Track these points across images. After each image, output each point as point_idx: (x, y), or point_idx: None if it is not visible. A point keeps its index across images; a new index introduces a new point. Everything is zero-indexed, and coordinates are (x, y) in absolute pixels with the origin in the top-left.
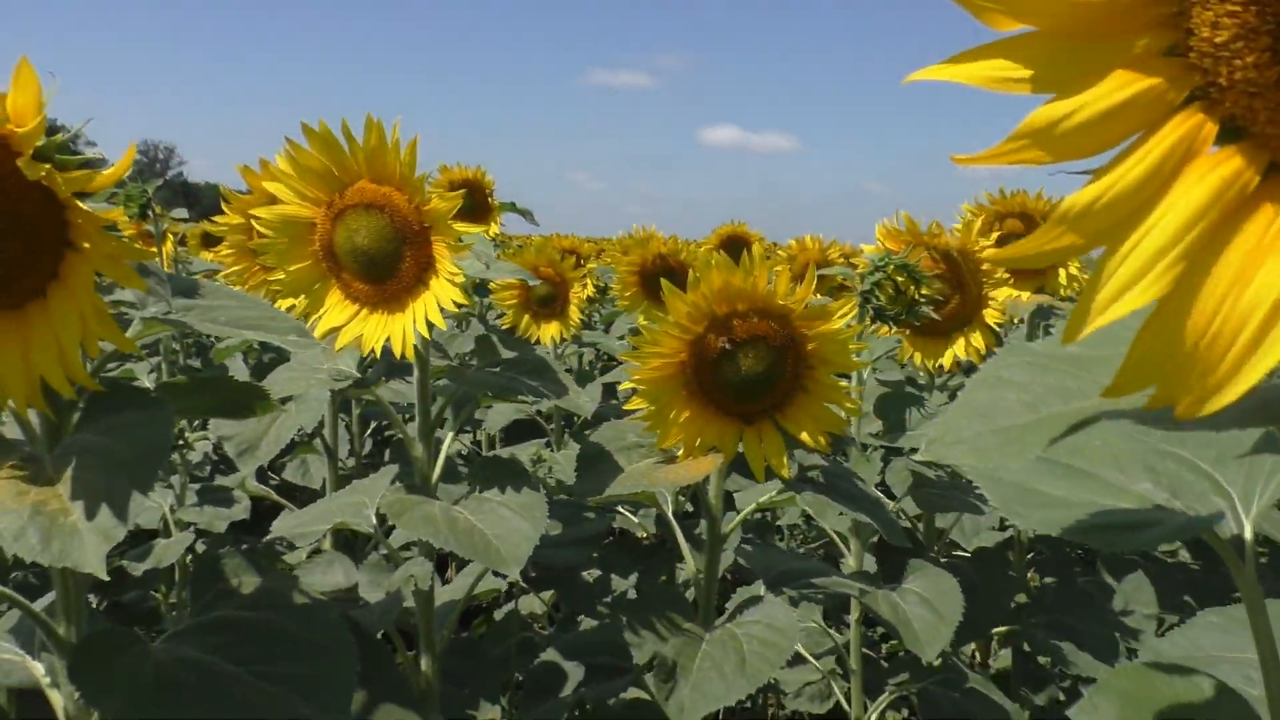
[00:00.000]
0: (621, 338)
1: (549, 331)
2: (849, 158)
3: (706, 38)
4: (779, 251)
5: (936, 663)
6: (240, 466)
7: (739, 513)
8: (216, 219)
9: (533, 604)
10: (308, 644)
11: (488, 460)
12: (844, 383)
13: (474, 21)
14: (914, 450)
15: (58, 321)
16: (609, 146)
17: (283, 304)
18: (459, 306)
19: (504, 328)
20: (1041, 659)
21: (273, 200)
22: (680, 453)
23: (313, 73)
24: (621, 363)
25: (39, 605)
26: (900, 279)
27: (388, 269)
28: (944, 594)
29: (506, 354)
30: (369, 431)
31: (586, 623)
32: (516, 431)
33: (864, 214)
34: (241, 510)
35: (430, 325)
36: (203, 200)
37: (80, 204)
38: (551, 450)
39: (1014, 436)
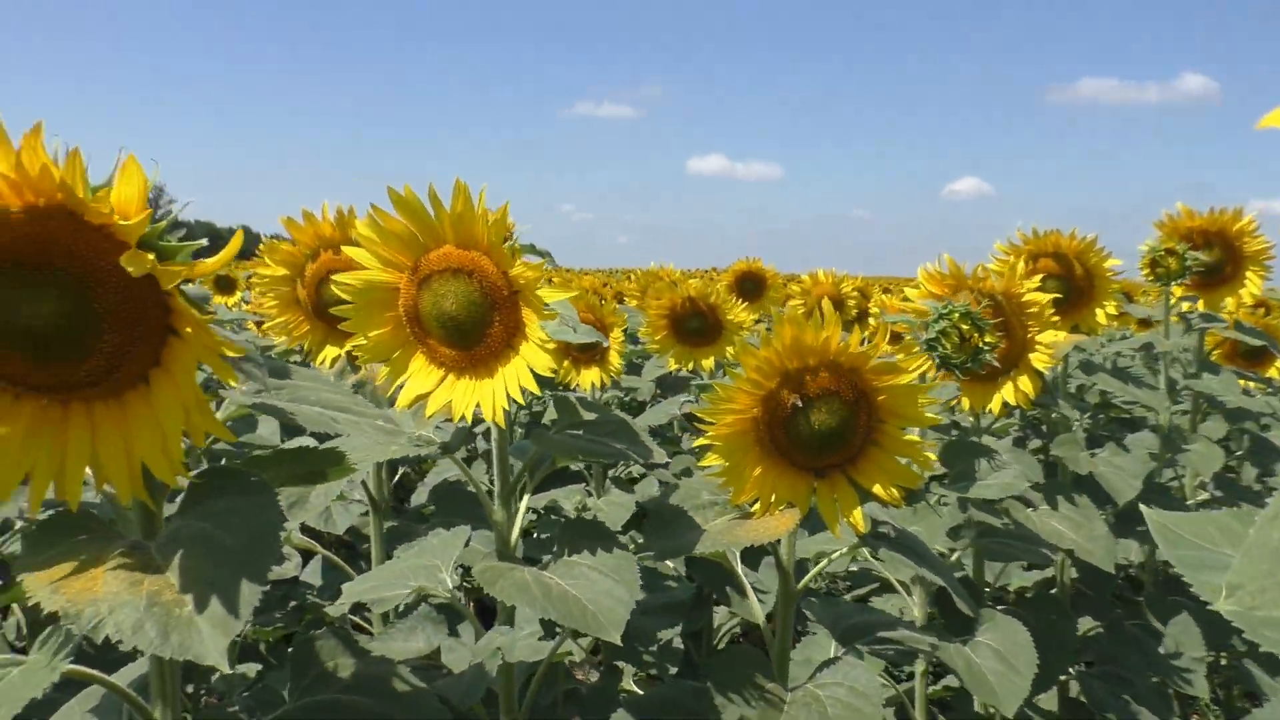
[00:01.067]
0: (655, 380)
1: (589, 377)
2: (833, 185)
3: (691, 69)
4: (791, 286)
5: (1011, 717)
6: (289, 519)
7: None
8: (260, 271)
9: (569, 647)
10: None
11: (572, 523)
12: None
13: (458, 57)
14: (986, 501)
15: (160, 410)
16: (595, 177)
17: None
18: (553, 372)
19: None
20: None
21: (317, 253)
22: (755, 508)
23: (297, 112)
24: (647, 406)
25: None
26: (965, 327)
27: (475, 334)
28: (1017, 646)
29: (587, 415)
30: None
31: (627, 670)
32: (552, 475)
33: (848, 237)
34: (293, 567)
35: (523, 390)
36: (194, 237)
37: (183, 294)
38: (592, 497)
39: None
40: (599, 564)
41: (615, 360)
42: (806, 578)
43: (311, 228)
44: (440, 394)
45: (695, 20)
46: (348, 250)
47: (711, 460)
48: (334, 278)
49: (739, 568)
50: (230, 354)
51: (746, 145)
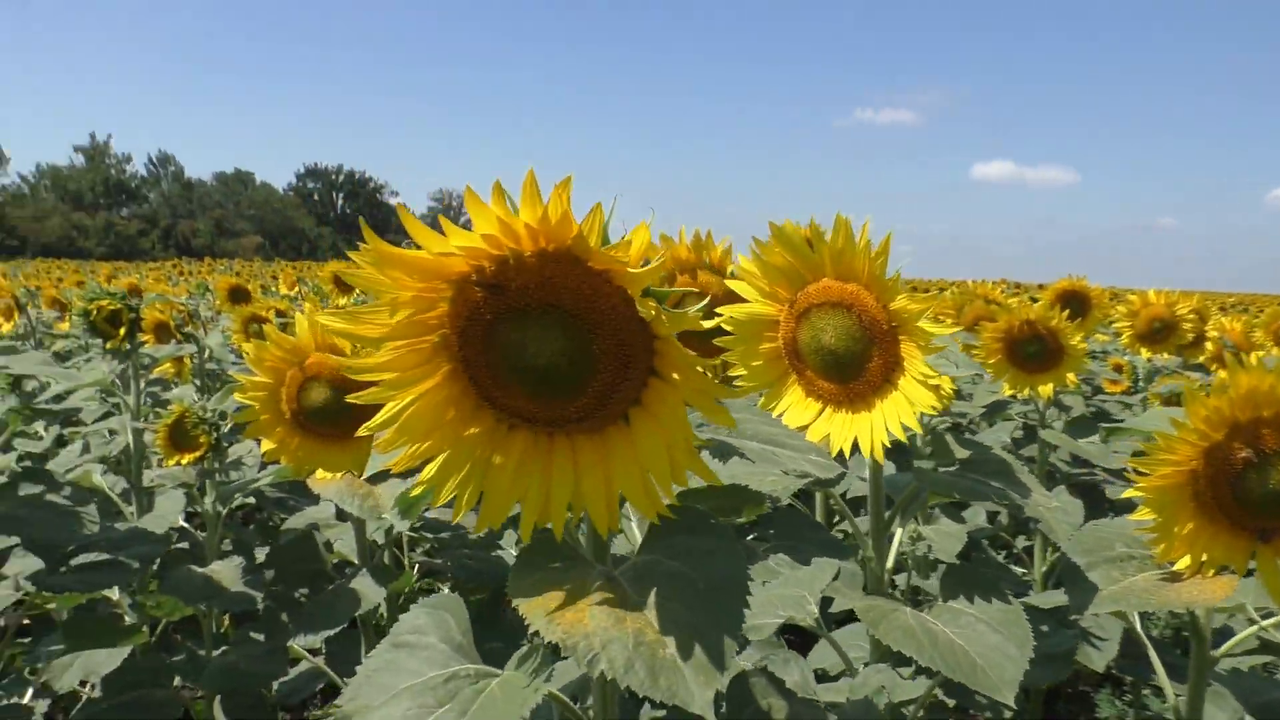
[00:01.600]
0: (987, 408)
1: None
2: (1135, 191)
3: (975, 71)
4: (1118, 307)
5: None
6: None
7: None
8: None
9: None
10: None
11: (955, 568)
12: None
13: (731, 67)
14: None
15: (642, 448)
16: (872, 186)
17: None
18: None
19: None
20: None
21: (673, 276)
22: (1180, 567)
23: (576, 130)
24: (978, 431)
25: None
26: None
27: (854, 368)
28: None
29: (961, 452)
30: None
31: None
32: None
33: (1153, 251)
34: None
35: (904, 427)
36: None
37: (677, 341)
38: (916, 523)
39: None
40: (986, 615)
41: (947, 385)
42: (1226, 645)
43: (668, 250)
44: (819, 426)
45: (980, 18)
46: (730, 283)
47: (1143, 514)
48: (719, 310)
49: (1138, 627)
50: (721, 397)
51: (1037, 149)
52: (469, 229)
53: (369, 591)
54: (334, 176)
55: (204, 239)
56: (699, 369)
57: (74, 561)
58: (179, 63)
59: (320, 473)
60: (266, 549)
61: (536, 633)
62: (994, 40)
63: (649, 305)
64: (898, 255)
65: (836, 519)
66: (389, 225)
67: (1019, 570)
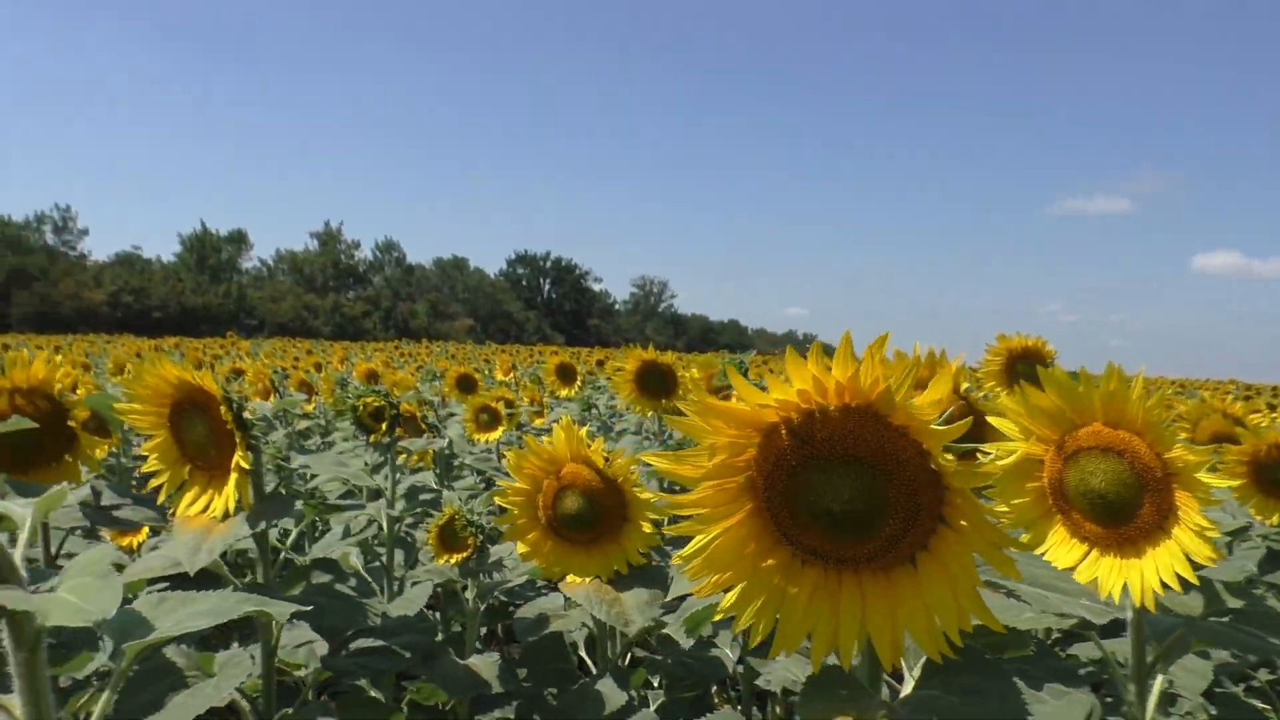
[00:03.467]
0: (1230, 534)
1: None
2: None
3: (1193, 158)
4: None
5: None
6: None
7: None
8: None
9: None
10: None
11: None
12: None
13: (932, 154)
14: None
15: (928, 593)
16: (1083, 276)
17: None
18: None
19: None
20: None
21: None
22: None
23: (757, 209)
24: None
25: None
26: None
27: (1125, 513)
28: None
29: (1233, 602)
30: None
31: None
32: None
33: None
34: None
35: (1179, 578)
36: (689, 331)
37: (970, 493)
38: None
39: None
40: None
41: (1215, 532)
42: None
43: (900, 365)
44: (1086, 569)
45: (1196, 102)
46: (994, 420)
47: None
48: (984, 448)
49: None
50: (1009, 548)
51: (1268, 239)
52: (737, 363)
53: (612, 694)
54: (542, 263)
55: (421, 320)
56: (989, 519)
57: (353, 645)
58: (408, 156)
59: (570, 578)
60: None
61: None
62: (1213, 124)
63: (947, 459)
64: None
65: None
66: (590, 310)
67: (1258, 704)
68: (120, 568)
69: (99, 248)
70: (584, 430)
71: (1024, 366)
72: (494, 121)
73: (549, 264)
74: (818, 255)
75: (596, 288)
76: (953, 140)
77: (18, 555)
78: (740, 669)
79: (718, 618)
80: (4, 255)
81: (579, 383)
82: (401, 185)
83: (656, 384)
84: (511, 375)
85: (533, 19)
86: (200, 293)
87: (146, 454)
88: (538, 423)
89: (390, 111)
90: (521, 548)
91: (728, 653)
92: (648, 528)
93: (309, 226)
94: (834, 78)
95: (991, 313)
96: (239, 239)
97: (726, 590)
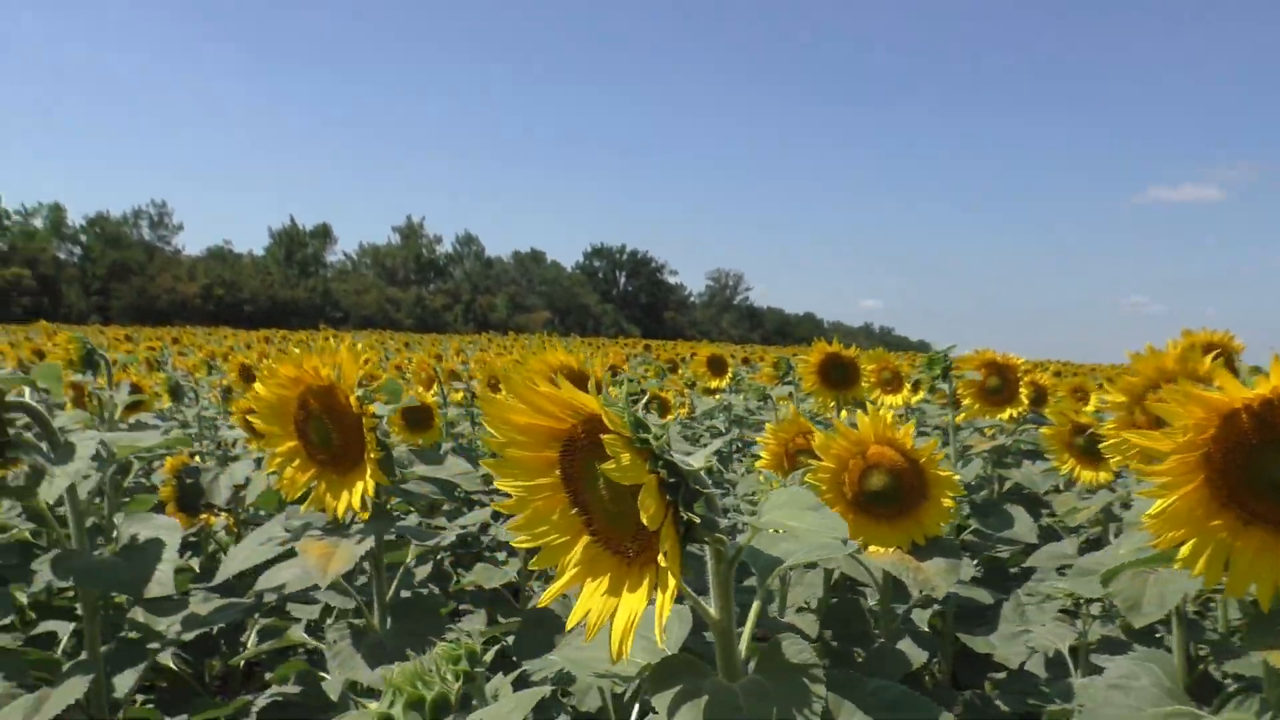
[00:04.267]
0: None
1: None
2: None
3: None
4: None
5: None
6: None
7: None
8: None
9: None
10: None
11: None
12: None
13: (1014, 143)
14: None
15: None
16: (1170, 268)
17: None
18: None
19: None
20: None
21: (1156, 385)
22: None
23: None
24: None
25: None
26: None
27: None
28: None
29: None
30: None
31: None
32: None
33: None
34: None
35: None
36: (765, 324)
37: None
38: None
39: None
40: None
41: None
42: None
43: (1154, 360)
44: None
45: None
46: None
47: None
48: None
49: None
50: None
51: None
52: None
53: (914, 653)
54: (617, 255)
55: (500, 313)
56: None
57: None
58: (487, 150)
59: (872, 548)
60: None
61: None
62: None
63: None
64: None
65: None
66: (666, 303)
67: None
68: None
69: (192, 242)
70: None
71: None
72: (571, 115)
73: (625, 256)
74: (893, 247)
75: (672, 280)
76: (1034, 129)
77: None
78: None
79: (1177, 567)
80: (105, 251)
81: (729, 375)
82: (480, 179)
83: (839, 375)
84: (625, 367)
85: (609, 13)
86: (289, 286)
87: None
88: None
89: (470, 107)
90: None
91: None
92: (948, 503)
93: (391, 221)
94: (913, 61)
95: (1075, 305)
96: (324, 233)
97: (1179, 545)
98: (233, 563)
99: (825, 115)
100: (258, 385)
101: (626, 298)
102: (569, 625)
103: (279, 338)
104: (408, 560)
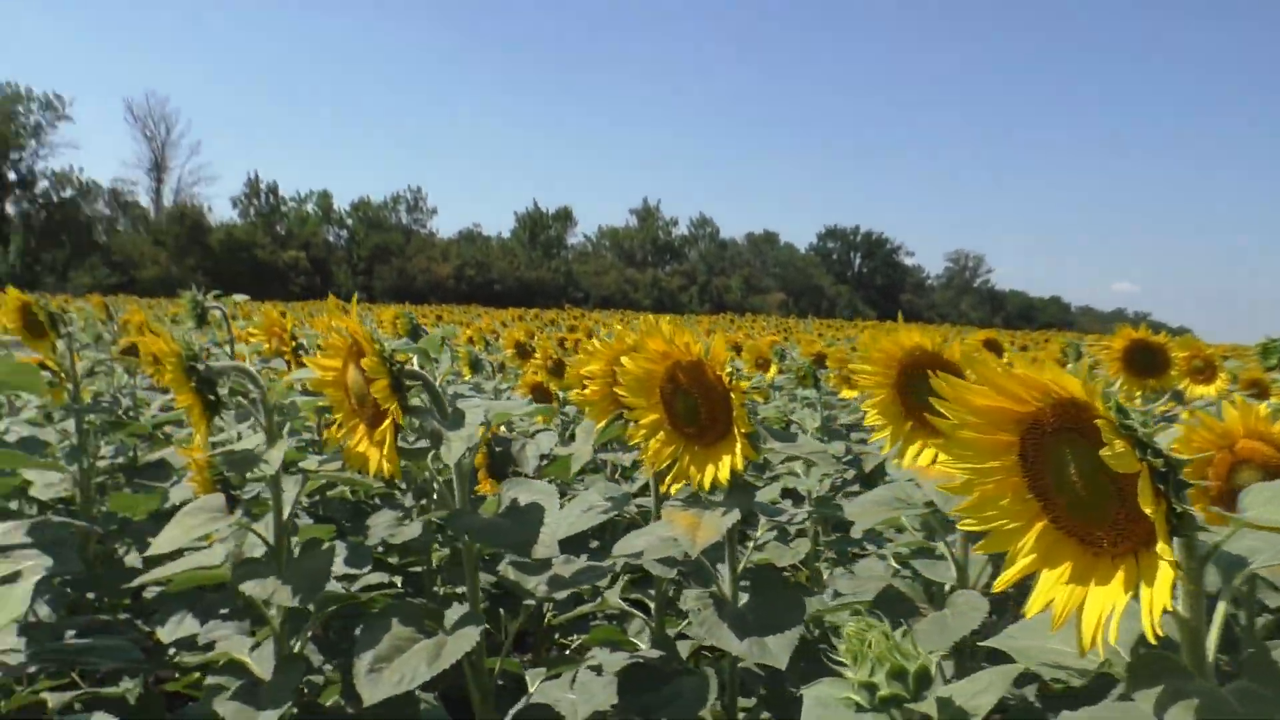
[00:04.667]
0: None
1: None
2: None
3: None
4: None
5: None
6: None
7: None
8: None
9: None
10: None
11: None
12: None
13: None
14: None
15: None
16: None
17: None
18: None
19: None
20: None
21: None
22: None
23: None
24: None
25: None
26: None
27: None
28: None
29: None
30: None
31: None
32: None
33: None
34: None
35: None
36: (1007, 307)
37: None
38: None
39: None
40: None
41: None
42: None
43: None
44: None
45: None
46: None
47: None
48: None
49: None
50: None
51: None
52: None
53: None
54: (852, 237)
55: (734, 295)
56: None
57: None
58: (720, 132)
59: None
60: None
61: None
62: None
63: None
64: None
65: None
66: (903, 285)
67: None
68: None
69: (445, 226)
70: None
71: None
72: (802, 93)
73: (859, 238)
74: (1150, 227)
75: (908, 262)
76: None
77: None
78: None
79: None
80: (368, 234)
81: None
82: (714, 161)
83: (1145, 362)
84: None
85: None
86: (533, 267)
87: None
88: None
89: (703, 90)
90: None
91: None
92: None
93: (628, 204)
94: (1162, 30)
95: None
96: (565, 216)
97: None
98: (559, 527)
99: (1071, 84)
100: (625, 360)
101: (862, 279)
102: (1028, 613)
103: (531, 315)
104: (758, 536)
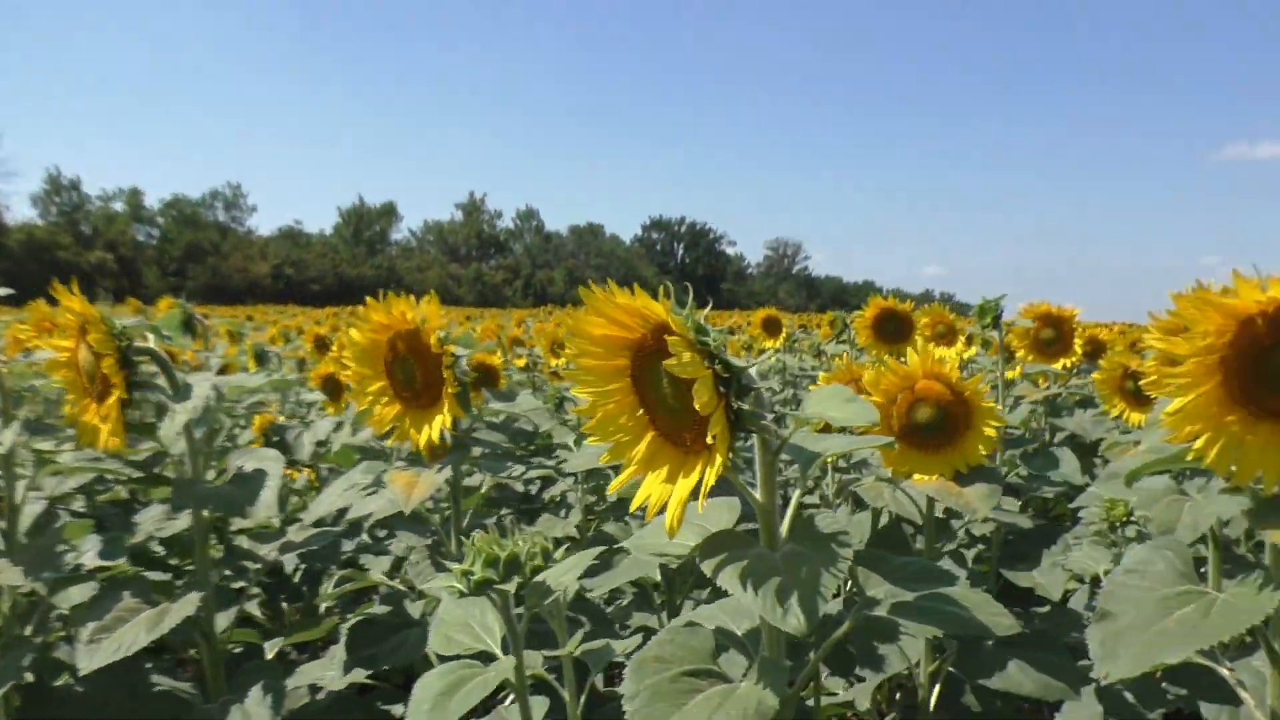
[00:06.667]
0: None
1: None
2: None
3: None
4: None
5: None
6: None
7: None
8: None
9: None
10: None
11: None
12: None
13: (1081, 103)
14: None
15: None
16: (1248, 226)
17: None
18: None
19: None
20: None
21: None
22: None
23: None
24: None
25: None
26: None
27: None
28: None
29: None
30: None
31: None
32: None
33: None
34: None
35: None
36: (822, 293)
37: None
38: None
39: None
40: None
41: None
42: None
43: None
44: None
45: None
46: None
47: None
48: None
49: None
50: None
51: None
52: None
53: (954, 570)
54: (676, 228)
55: (558, 288)
56: None
57: None
58: (546, 126)
59: (917, 476)
60: None
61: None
62: None
63: None
64: None
65: None
66: (725, 274)
67: None
68: None
69: (265, 222)
70: None
71: None
72: (627, 88)
73: (683, 228)
74: (955, 212)
75: (730, 251)
76: (1102, 88)
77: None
78: None
79: (1190, 458)
80: (181, 232)
81: (784, 335)
82: (540, 154)
83: (893, 329)
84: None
85: None
86: (355, 264)
87: None
88: None
89: (529, 84)
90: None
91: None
92: (990, 432)
93: (454, 198)
94: (973, 20)
95: (1148, 268)
96: (389, 211)
97: (1195, 439)
98: (320, 506)
99: (882, 80)
100: (352, 331)
101: (684, 270)
102: (632, 509)
103: (346, 313)
104: (483, 490)
